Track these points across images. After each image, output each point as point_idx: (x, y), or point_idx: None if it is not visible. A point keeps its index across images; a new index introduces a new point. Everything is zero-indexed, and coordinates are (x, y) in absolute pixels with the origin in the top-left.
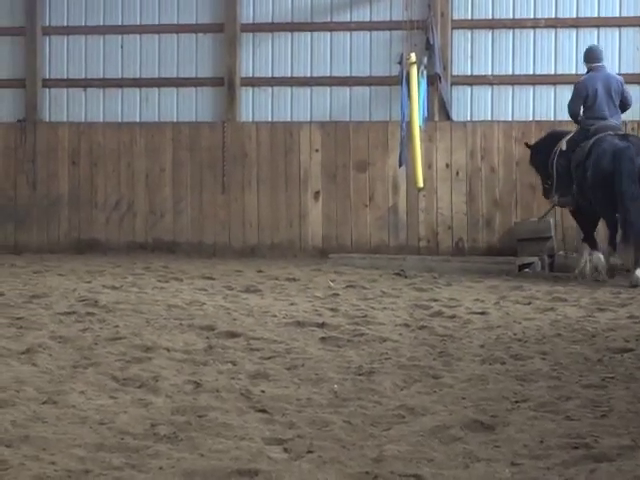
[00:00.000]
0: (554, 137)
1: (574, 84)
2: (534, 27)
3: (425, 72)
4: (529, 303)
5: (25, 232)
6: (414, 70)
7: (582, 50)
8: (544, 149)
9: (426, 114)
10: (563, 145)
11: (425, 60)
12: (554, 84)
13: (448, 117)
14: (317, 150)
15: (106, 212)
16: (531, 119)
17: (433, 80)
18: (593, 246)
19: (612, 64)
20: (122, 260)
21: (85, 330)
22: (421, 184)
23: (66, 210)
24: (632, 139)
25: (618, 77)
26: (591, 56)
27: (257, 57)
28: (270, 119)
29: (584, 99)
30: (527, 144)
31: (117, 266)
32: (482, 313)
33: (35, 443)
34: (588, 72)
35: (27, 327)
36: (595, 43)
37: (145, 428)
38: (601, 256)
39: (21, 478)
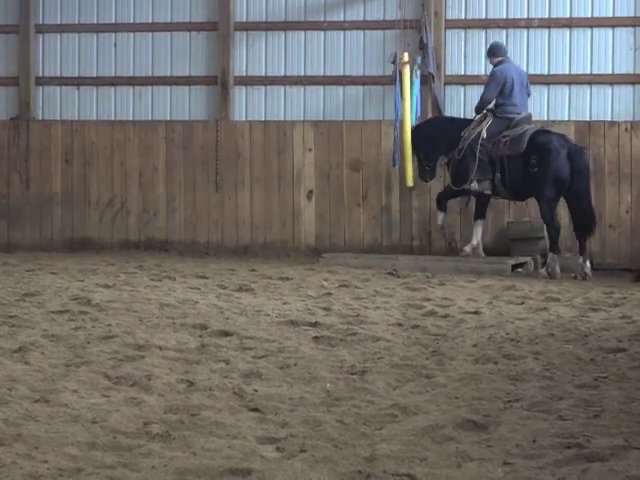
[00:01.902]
0: (441, 122)
1: (492, 72)
2: (528, 27)
3: (419, 72)
4: (522, 303)
5: (18, 230)
6: (407, 70)
7: (576, 50)
8: (431, 133)
9: (419, 113)
10: (484, 133)
11: (419, 60)
12: (547, 84)
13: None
14: (310, 149)
15: (99, 210)
16: None
17: (426, 80)
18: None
19: (605, 64)
20: (115, 259)
21: (78, 329)
22: (411, 183)
23: (59, 208)
24: (568, 137)
25: (524, 70)
26: (499, 49)
27: (251, 56)
28: (263, 118)
29: (502, 87)
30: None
31: (110, 264)
32: (475, 313)
33: (27, 441)
34: (497, 64)
35: (20, 325)
36: (586, 43)
37: (137, 427)
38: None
39: (13, 476)
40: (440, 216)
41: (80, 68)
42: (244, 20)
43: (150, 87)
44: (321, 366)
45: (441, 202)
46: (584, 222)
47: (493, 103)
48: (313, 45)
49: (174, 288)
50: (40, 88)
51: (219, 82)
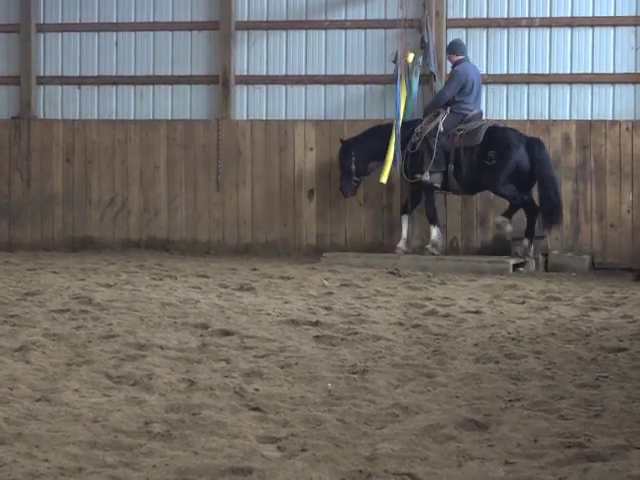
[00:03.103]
0: (373, 133)
1: (454, 71)
2: (529, 26)
3: (419, 71)
4: (523, 302)
5: (19, 229)
6: (405, 71)
7: (577, 49)
8: (372, 142)
9: (417, 112)
10: (441, 127)
11: (420, 59)
12: (548, 83)
13: None
14: (312, 148)
15: (100, 210)
16: (525, 118)
17: (428, 79)
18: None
19: (607, 63)
20: (116, 258)
21: (79, 328)
22: (384, 180)
23: (60, 208)
24: (522, 132)
25: (479, 71)
26: (460, 48)
27: (252, 55)
28: (265, 117)
29: (462, 87)
30: (342, 140)
31: (111, 264)
32: (476, 312)
33: (28, 440)
34: (457, 63)
35: (21, 325)
36: (588, 42)
37: (139, 426)
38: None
39: (14, 475)
40: (434, 232)
41: (81, 67)
42: (245, 19)
43: (151, 86)
44: (322, 365)
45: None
46: (550, 208)
47: (449, 100)
48: (314, 44)
49: (175, 287)
50: (41, 87)
51: (220, 81)
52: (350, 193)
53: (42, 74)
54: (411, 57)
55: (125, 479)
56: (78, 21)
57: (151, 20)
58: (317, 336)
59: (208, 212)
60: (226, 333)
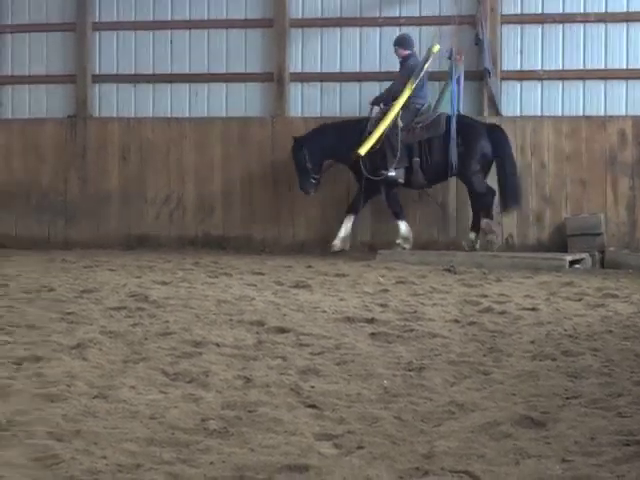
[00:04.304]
0: (326, 131)
1: (406, 64)
2: (584, 22)
3: (457, 65)
4: (580, 299)
5: (75, 228)
6: (430, 62)
7: (633, 44)
8: (321, 143)
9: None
10: (399, 122)
11: (453, 52)
12: (604, 79)
13: (498, 113)
14: None
15: (156, 207)
16: (581, 114)
17: (481, 75)
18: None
19: None
20: (172, 255)
21: (135, 325)
22: (362, 153)
23: (116, 205)
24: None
25: None
26: (409, 43)
27: (306, 52)
28: (319, 114)
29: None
30: (294, 137)
31: (167, 261)
32: (532, 309)
33: (86, 437)
34: (406, 58)
35: (78, 322)
36: (635, 37)
37: (195, 423)
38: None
39: (72, 472)
40: (402, 226)
41: (136, 65)
42: (300, 17)
43: (206, 84)
44: (378, 363)
45: (395, 209)
46: (512, 188)
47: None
48: (369, 41)
49: (231, 285)
50: (97, 86)
51: (275, 79)
52: (312, 191)
53: (97, 72)
54: (436, 48)
55: (182, 476)
56: (133, 19)
57: (206, 18)
58: (373, 333)
59: (263, 209)
60: (282, 330)
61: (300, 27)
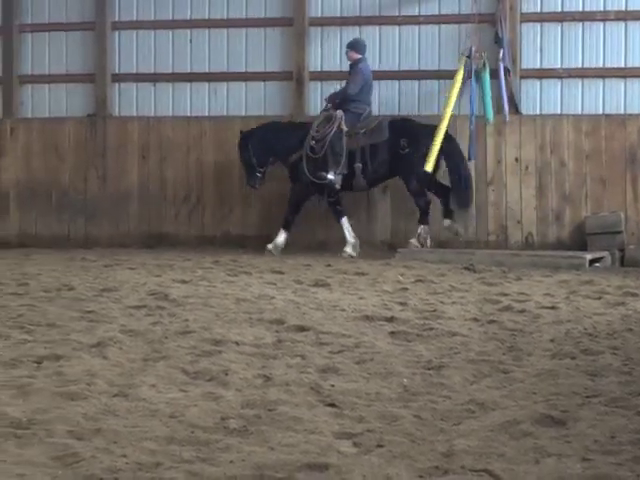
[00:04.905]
0: (274, 127)
1: (357, 69)
2: (604, 20)
3: (487, 66)
4: (599, 298)
5: (95, 226)
6: (462, 62)
7: None
8: (266, 138)
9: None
10: (344, 126)
11: (473, 51)
12: (624, 77)
13: (517, 111)
14: None
15: (175, 206)
16: (601, 112)
17: (498, 73)
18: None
19: None
20: (191, 254)
21: (155, 324)
22: (430, 169)
23: (136, 204)
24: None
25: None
26: (361, 48)
27: (326, 51)
28: None
29: (362, 85)
30: (241, 131)
31: (187, 260)
32: (552, 308)
33: (106, 436)
34: (357, 62)
35: (98, 320)
36: None
37: (215, 421)
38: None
39: (93, 470)
40: (282, 236)
41: (156, 64)
42: (319, 15)
43: (225, 83)
44: (397, 361)
45: (287, 220)
46: (463, 187)
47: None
48: (388, 40)
49: (250, 283)
50: (116, 85)
51: (294, 77)
52: (257, 185)
53: (117, 71)
54: (470, 50)
55: (202, 474)
56: (152, 18)
57: (225, 17)
58: (392, 332)
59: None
60: (301, 329)
61: (319, 26)
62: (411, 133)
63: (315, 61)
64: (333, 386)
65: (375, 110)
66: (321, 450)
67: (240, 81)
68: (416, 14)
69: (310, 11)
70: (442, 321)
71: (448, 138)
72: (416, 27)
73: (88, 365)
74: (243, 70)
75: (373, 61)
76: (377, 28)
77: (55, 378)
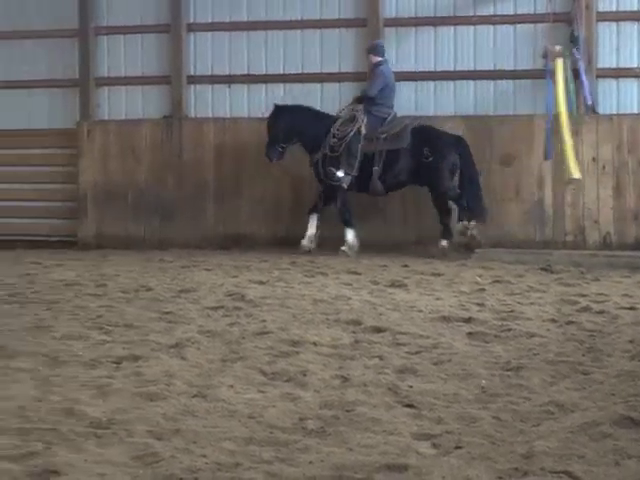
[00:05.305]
0: (308, 112)
1: (379, 71)
2: None
3: (568, 64)
4: None
5: (171, 227)
6: (560, 62)
7: None
8: (298, 118)
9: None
10: (363, 129)
11: (567, 52)
12: None
13: (594, 110)
14: None
15: (251, 207)
16: None
17: (576, 73)
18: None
19: None
20: (268, 255)
21: (233, 324)
22: (578, 174)
23: (212, 205)
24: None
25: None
26: (382, 50)
27: (400, 52)
28: (414, 113)
29: (383, 88)
30: (276, 104)
31: (263, 261)
32: (631, 308)
33: (186, 436)
34: (378, 64)
35: (176, 321)
36: None
37: (294, 422)
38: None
39: (172, 470)
40: (350, 234)
41: (231, 66)
42: (393, 16)
43: (301, 84)
44: (475, 362)
45: (345, 218)
46: (475, 205)
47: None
48: (463, 40)
49: (327, 284)
50: (192, 86)
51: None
52: (276, 159)
53: (192, 73)
54: (558, 48)
55: (281, 475)
56: (228, 20)
57: (299, 18)
58: (470, 333)
59: (359, 209)
60: (378, 330)
61: (394, 26)
62: (434, 142)
63: (390, 61)
64: (411, 387)
65: (451, 111)
66: (400, 451)
67: (315, 82)
68: (491, 14)
69: (384, 12)
70: (520, 322)
71: (463, 145)
72: (491, 27)
73: (167, 366)
74: (318, 71)
75: (448, 61)
76: (452, 28)
77: (134, 378)
